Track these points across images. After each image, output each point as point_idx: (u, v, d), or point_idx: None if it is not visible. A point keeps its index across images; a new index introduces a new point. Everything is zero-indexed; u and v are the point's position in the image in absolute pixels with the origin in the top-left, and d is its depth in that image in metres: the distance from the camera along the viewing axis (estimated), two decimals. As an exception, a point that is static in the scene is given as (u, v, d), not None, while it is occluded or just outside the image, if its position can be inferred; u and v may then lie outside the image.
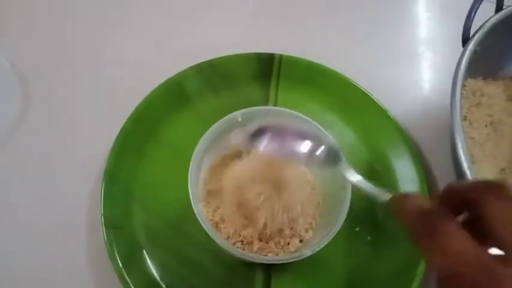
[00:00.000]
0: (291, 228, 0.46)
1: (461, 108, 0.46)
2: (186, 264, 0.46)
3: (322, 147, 0.42)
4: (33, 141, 0.54)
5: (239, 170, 0.49)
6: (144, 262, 0.46)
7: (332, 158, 0.42)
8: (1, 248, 0.48)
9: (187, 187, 0.44)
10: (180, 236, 0.48)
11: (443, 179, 0.54)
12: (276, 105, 0.57)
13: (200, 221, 0.42)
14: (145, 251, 0.46)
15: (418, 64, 0.65)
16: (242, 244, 0.46)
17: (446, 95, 0.48)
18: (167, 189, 0.50)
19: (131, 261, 0.45)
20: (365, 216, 0.49)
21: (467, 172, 0.43)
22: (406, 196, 0.34)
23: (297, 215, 0.46)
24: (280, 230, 0.46)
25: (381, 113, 0.56)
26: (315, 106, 0.56)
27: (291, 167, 0.49)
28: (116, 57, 0.61)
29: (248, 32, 0.65)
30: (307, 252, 0.42)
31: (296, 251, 0.46)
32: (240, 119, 0.48)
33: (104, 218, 0.46)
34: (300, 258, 0.42)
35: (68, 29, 0.64)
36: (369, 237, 0.49)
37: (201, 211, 0.44)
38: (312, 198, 0.48)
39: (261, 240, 0.46)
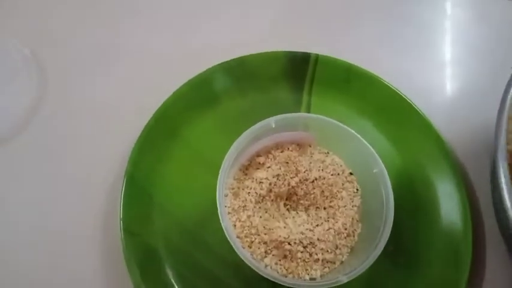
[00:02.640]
0: (324, 247, 0.43)
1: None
2: (205, 276, 0.44)
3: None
4: (48, 134, 0.51)
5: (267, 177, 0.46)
6: (161, 270, 0.43)
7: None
8: (11, 249, 0.46)
9: (211, 193, 0.41)
10: (200, 245, 0.45)
11: (485, 200, 0.50)
12: (309, 109, 0.53)
13: (229, 239, 0.40)
14: (163, 259, 0.44)
15: (464, 72, 0.61)
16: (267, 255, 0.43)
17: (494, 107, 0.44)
18: (189, 193, 0.47)
19: (148, 269, 0.43)
20: (397, 235, 0.45)
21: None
22: None
23: (332, 234, 0.43)
24: (311, 248, 0.42)
25: (422, 122, 0.52)
26: (350, 111, 0.53)
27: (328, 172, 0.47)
28: (141, 52, 0.58)
29: (278, 31, 0.62)
30: (343, 279, 0.39)
31: (329, 272, 0.43)
32: (273, 126, 0.45)
33: (122, 223, 0.43)
34: (336, 284, 0.39)
35: (92, 21, 0.61)
36: (402, 259, 0.46)
37: (229, 226, 0.41)
38: (350, 214, 0.45)
39: (288, 258, 0.43)
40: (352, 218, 0.45)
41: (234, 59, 0.54)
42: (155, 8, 0.63)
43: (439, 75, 0.61)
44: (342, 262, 0.44)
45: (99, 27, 0.60)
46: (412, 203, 0.49)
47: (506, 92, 0.43)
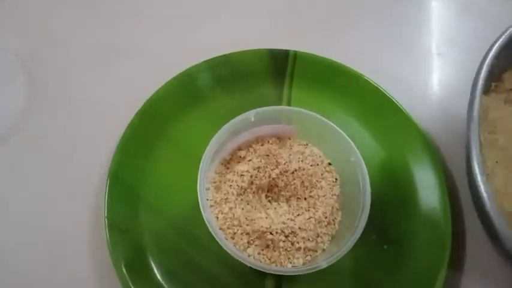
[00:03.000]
0: (306, 236, 0.44)
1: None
2: (194, 271, 0.44)
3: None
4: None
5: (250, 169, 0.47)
6: (150, 268, 0.44)
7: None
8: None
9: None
10: (189, 240, 0.46)
11: (464, 189, 0.51)
12: (289, 103, 0.54)
13: (211, 230, 0.41)
14: (151, 256, 0.44)
15: (440, 64, 0.61)
16: (250, 245, 0.44)
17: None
18: (175, 190, 0.48)
19: (136, 267, 0.43)
20: (380, 224, 0.47)
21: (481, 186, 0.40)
22: None
23: (313, 222, 0.44)
24: (293, 238, 0.44)
25: (402, 116, 0.53)
26: (330, 106, 0.54)
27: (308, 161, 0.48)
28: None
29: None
30: (323, 264, 0.41)
31: (311, 260, 0.44)
32: (253, 119, 0.46)
33: (107, 221, 0.44)
34: (315, 270, 0.41)
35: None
36: (385, 247, 0.47)
37: (211, 218, 0.42)
38: (330, 203, 0.46)
39: (271, 248, 0.44)
40: (332, 207, 0.46)
41: (219, 56, 0.55)
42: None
43: (416, 68, 0.61)
44: (323, 250, 0.45)
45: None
46: (395, 194, 0.49)
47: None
